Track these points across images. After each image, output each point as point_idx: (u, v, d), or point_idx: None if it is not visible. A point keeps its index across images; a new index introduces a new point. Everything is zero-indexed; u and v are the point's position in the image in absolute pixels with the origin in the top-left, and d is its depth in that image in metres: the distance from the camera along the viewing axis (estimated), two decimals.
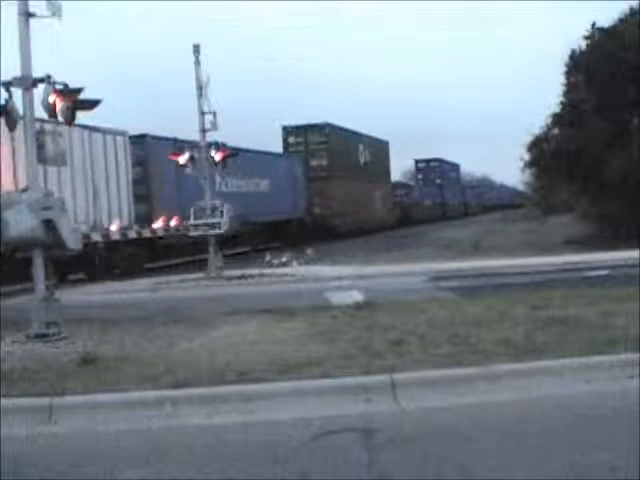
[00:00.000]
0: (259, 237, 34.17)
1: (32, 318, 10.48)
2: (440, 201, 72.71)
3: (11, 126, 10.96)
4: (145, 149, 25.93)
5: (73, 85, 10.78)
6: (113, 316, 12.31)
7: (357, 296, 13.60)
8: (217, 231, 20.44)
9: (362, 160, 48.33)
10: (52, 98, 10.60)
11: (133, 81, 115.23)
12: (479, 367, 7.30)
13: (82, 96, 10.84)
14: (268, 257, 25.09)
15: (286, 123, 43.02)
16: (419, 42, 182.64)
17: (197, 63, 20.72)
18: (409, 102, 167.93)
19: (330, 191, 41.62)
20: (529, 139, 28.49)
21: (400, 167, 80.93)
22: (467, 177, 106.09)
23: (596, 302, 10.56)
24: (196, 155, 20.66)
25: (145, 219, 25.26)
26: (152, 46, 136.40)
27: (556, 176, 29.31)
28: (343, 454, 5.58)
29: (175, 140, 25.09)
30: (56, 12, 10.62)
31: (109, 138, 23.45)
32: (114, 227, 23.14)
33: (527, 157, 29.37)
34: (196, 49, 20.70)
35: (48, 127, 18.65)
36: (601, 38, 26.84)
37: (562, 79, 28.22)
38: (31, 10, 10.53)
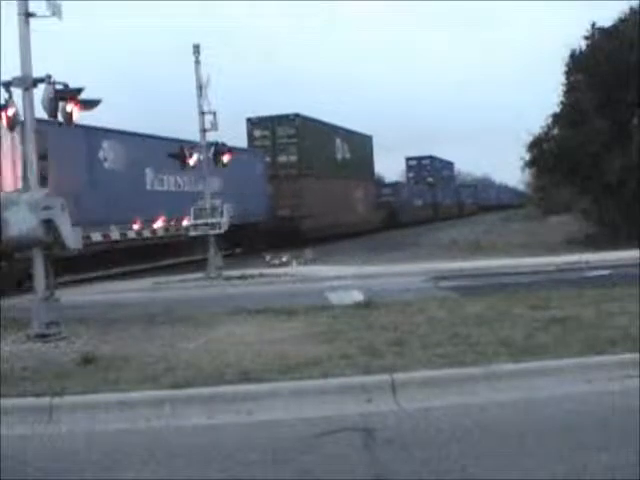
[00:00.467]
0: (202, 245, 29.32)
1: (32, 318, 10.49)
2: (432, 201, 68.44)
3: (11, 126, 10.96)
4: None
5: (73, 85, 10.80)
6: (113, 316, 12.32)
7: (357, 296, 13.60)
8: (217, 231, 20.46)
9: (339, 156, 43.65)
10: (52, 98, 10.60)
11: (133, 81, 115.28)
12: (479, 367, 7.30)
13: (82, 96, 10.85)
14: (268, 257, 25.15)
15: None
16: (419, 42, 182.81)
17: (197, 63, 20.76)
18: (409, 102, 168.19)
19: (300, 190, 36.52)
20: (529, 139, 28.56)
21: (400, 167, 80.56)
22: (467, 177, 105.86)
23: (596, 302, 10.56)
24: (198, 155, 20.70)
25: None
26: (152, 46, 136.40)
27: (556, 176, 29.35)
28: (343, 454, 5.58)
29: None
30: (56, 12, 10.62)
31: None
32: None
33: (527, 157, 29.44)
34: (196, 49, 20.73)
35: None
36: (601, 38, 26.86)
37: (562, 79, 28.29)
38: (31, 10, 10.53)
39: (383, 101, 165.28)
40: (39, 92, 10.67)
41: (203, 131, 20.99)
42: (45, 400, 6.95)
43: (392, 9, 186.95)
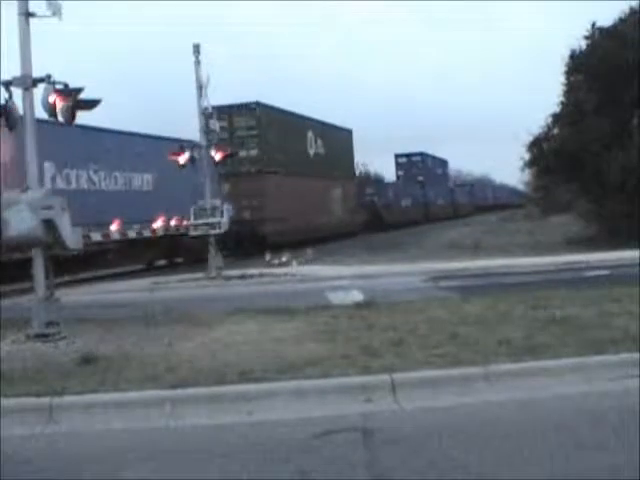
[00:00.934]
0: (135, 253, 25.54)
1: (32, 318, 10.49)
2: (422, 201, 63.65)
3: (11, 126, 10.96)
4: None
5: (73, 85, 10.79)
6: (113, 316, 12.30)
7: (357, 296, 13.60)
8: (216, 232, 20.44)
9: (312, 151, 39.18)
10: (52, 98, 10.59)
11: (133, 81, 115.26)
12: (479, 367, 7.30)
13: (82, 96, 10.85)
14: (268, 257, 25.16)
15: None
16: (419, 42, 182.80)
17: (197, 63, 20.74)
18: (409, 102, 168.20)
19: (261, 190, 32.28)
20: (529, 139, 28.55)
21: None
22: (468, 177, 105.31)
23: (596, 302, 10.56)
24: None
25: None
26: (152, 46, 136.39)
27: (556, 176, 29.34)
28: (343, 454, 5.58)
29: None
30: (56, 12, 10.61)
31: None
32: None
33: (527, 157, 29.43)
34: (196, 49, 20.72)
35: None
36: (601, 38, 26.85)
37: (562, 79, 28.29)
38: (31, 10, 10.53)
39: (383, 101, 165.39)
40: (39, 92, 10.70)
41: (203, 131, 20.99)
42: (45, 400, 6.95)
43: (392, 9, 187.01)
